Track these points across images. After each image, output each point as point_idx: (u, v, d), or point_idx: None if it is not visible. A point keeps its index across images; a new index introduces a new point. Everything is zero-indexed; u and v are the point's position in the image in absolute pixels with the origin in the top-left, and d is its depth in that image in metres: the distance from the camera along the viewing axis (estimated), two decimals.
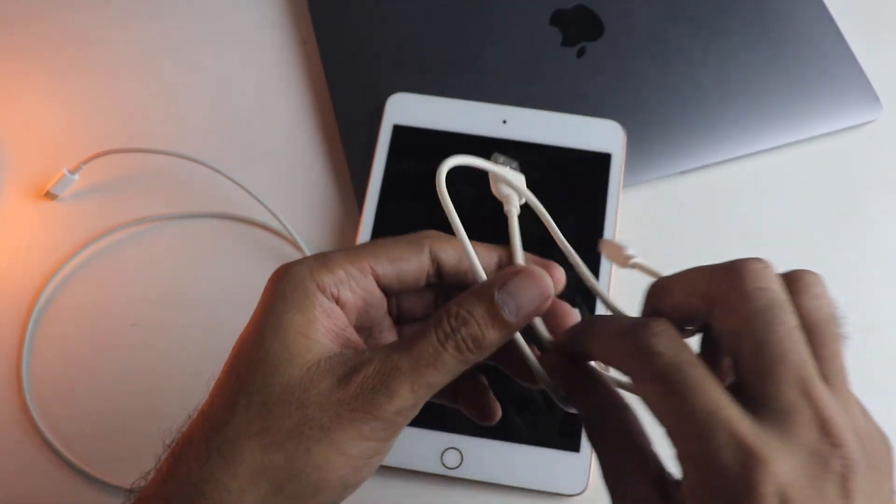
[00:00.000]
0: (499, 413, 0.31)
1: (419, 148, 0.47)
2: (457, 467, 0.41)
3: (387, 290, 0.28)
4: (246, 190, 0.47)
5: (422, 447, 0.41)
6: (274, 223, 0.47)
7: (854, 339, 0.45)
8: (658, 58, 0.50)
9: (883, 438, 0.24)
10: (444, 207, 0.27)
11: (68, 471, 0.42)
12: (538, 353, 0.28)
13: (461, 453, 0.41)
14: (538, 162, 0.47)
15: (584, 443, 0.41)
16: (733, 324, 0.23)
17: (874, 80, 0.50)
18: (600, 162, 0.47)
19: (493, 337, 0.25)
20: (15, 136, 0.50)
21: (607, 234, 0.45)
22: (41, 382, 0.44)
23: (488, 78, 0.50)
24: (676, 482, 0.23)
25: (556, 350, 0.28)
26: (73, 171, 0.47)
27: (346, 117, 0.50)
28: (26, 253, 0.47)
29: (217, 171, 0.47)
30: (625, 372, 0.24)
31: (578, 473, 0.41)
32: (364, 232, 0.45)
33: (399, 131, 0.48)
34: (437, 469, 0.41)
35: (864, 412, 0.24)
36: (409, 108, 0.48)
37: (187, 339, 0.45)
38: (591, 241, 0.45)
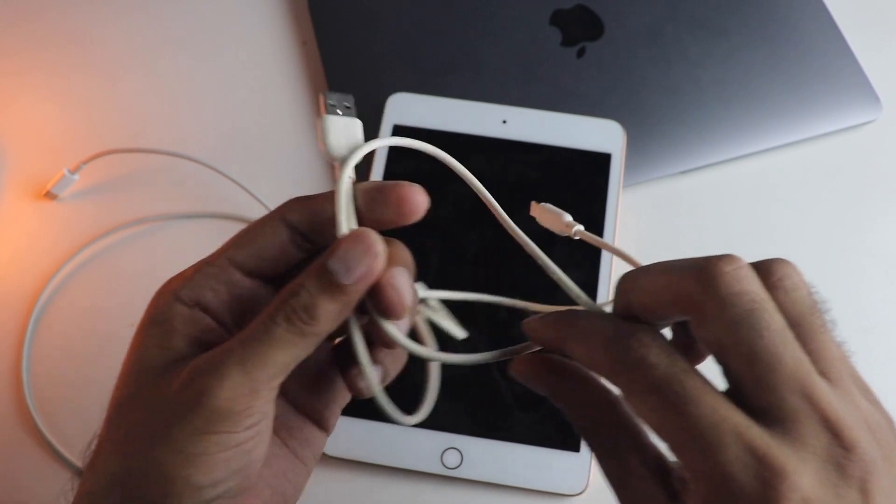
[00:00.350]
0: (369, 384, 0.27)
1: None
2: (457, 467, 0.41)
3: (257, 274, 0.27)
4: (246, 190, 0.47)
5: (422, 447, 0.41)
6: None
7: (854, 340, 0.45)
8: (658, 58, 0.50)
9: (890, 424, 0.23)
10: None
11: (68, 471, 0.42)
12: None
13: (461, 453, 0.41)
14: (538, 162, 0.47)
15: (584, 442, 0.41)
16: (717, 334, 0.22)
17: (874, 79, 0.50)
18: (600, 162, 0.47)
19: (327, 305, 0.24)
20: (15, 136, 0.50)
21: (607, 234, 0.45)
22: (41, 382, 0.44)
23: (488, 78, 0.50)
24: (679, 476, 0.23)
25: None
26: (73, 171, 0.47)
27: None
28: (26, 253, 0.47)
29: (218, 171, 0.47)
30: (613, 382, 0.23)
31: (578, 473, 0.41)
32: None
33: (399, 131, 0.48)
34: (438, 469, 0.41)
35: (868, 394, 0.23)
36: (410, 108, 0.48)
37: None
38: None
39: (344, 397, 0.30)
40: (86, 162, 0.47)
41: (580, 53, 0.51)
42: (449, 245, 0.45)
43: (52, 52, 0.52)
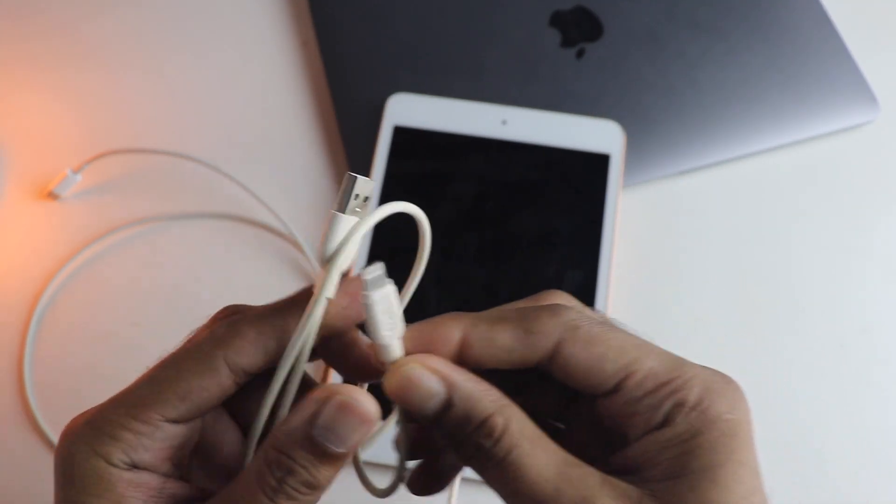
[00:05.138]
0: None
1: (419, 149, 0.48)
2: None
3: (192, 418, 0.24)
4: (248, 190, 0.47)
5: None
6: (275, 223, 0.47)
7: (852, 339, 0.45)
8: (657, 59, 0.51)
9: None
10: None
11: None
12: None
13: None
14: (538, 162, 0.47)
15: None
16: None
17: (872, 81, 0.50)
18: (599, 162, 0.47)
19: (327, 474, 0.22)
20: (18, 137, 0.50)
21: (606, 234, 0.45)
22: (43, 381, 0.44)
23: (488, 78, 0.50)
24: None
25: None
26: (75, 172, 0.47)
27: (346, 118, 0.50)
28: (29, 253, 0.47)
29: (219, 171, 0.48)
30: None
31: None
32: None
33: (399, 132, 0.48)
34: None
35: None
36: (410, 109, 0.48)
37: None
38: (591, 242, 0.45)
39: None
40: (88, 162, 0.47)
41: (579, 54, 0.51)
42: (448, 245, 0.45)
43: (54, 52, 0.53)
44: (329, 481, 0.23)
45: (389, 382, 0.22)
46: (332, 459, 0.22)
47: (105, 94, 0.51)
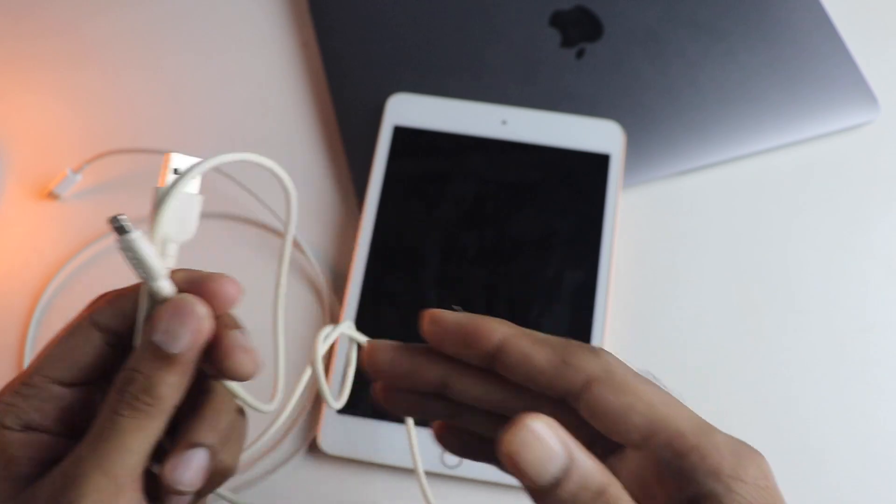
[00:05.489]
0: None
1: (419, 149, 0.48)
2: (457, 466, 0.41)
3: (80, 383, 0.26)
4: (248, 190, 0.47)
5: (422, 446, 0.41)
6: (275, 223, 0.47)
7: (852, 340, 0.45)
8: (657, 59, 0.51)
9: None
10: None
11: None
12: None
13: None
14: (538, 162, 0.47)
15: None
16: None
17: (872, 81, 0.50)
18: (599, 162, 0.47)
19: (165, 379, 0.24)
20: (18, 137, 0.50)
21: (606, 234, 0.45)
22: None
23: (488, 78, 0.50)
24: None
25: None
26: (76, 171, 0.47)
27: (346, 118, 0.50)
28: (29, 253, 0.47)
29: (219, 171, 0.48)
30: None
31: None
32: (365, 231, 0.45)
33: (399, 132, 0.48)
34: (437, 468, 0.41)
35: None
36: (410, 109, 0.49)
37: None
38: (591, 242, 0.45)
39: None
40: (89, 162, 0.47)
41: (579, 54, 0.51)
42: (448, 245, 0.45)
43: (54, 52, 0.53)
44: (170, 388, 0.24)
45: (512, 436, 0.22)
46: (170, 362, 0.24)
47: (105, 94, 0.51)
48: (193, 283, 0.25)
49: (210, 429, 0.25)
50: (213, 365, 0.25)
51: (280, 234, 0.47)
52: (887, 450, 0.43)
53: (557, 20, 0.52)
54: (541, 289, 0.44)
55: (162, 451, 0.25)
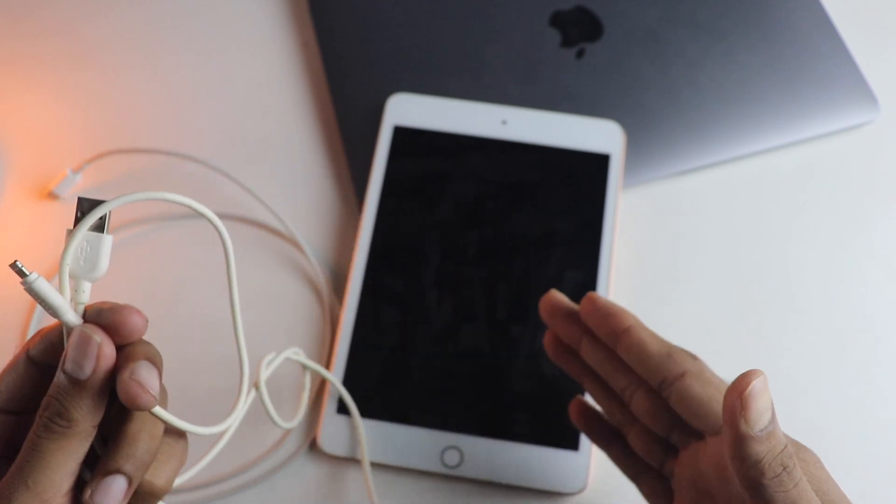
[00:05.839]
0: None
1: (419, 149, 0.48)
2: (457, 466, 0.41)
3: (21, 411, 0.28)
4: (247, 190, 0.47)
5: (422, 446, 0.41)
6: (275, 223, 0.47)
7: (853, 340, 0.45)
8: (657, 59, 0.51)
9: None
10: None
11: None
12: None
13: (461, 452, 0.41)
14: (538, 162, 0.47)
15: (584, 441, 0.41)
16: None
17: (872, 81, 0.50)
18: (599, 162, 0.47)
19: (78, 403, 0.25)
20: (18, 137, 0.50)
21: (606, 234, 0.45)
22: None
23: (488, 78, 0.50)
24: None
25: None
26: (75, 172, 0.47)
27: (346, 118, 0.50)
28: (28, 253, 0.47)
29: (219, 171, 0.48)
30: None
31: (578, 471, 0.41)
32: (364, 232, 0.45)
33: (399, 132, 0.48)
34: (438, 468, 0.41)
35: None
36: (410, 109, 0.49)
37: (187, 338, 0.45)
38: (591, 242, 0.45)
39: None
40: (88, 162, 0.47)
41: (579, 54, 0.51)
42: (448, 245, 0.45)
43: (54, 52, 0.53)
44: (82, 412, 0.25)
45: (742, 382, 0.27)
46: (79, 388, 0.25)
47: (105, 94, 0.51)
48: (100, 315, 0.27)
49: (126, 455, 0.26)
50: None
51: (280, 235, 0.47)
52: (888, 449, 0.42)
53: (557, 20, 0.52)
54: (541, 288, 0.44)
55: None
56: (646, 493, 0.35)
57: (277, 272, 0.47)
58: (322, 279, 0.46)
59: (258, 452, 0.42)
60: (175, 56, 0.53)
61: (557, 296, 0.37)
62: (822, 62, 0.51)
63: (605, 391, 0.36)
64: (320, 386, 0.43)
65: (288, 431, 0.43)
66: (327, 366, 0.44)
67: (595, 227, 0.45)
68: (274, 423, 0.37)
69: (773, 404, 0.28)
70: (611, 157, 0.47)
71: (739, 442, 0.27)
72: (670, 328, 0.45)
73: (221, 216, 0.48)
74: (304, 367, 0.41)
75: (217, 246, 0.47)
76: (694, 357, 0.32)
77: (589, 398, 0.40)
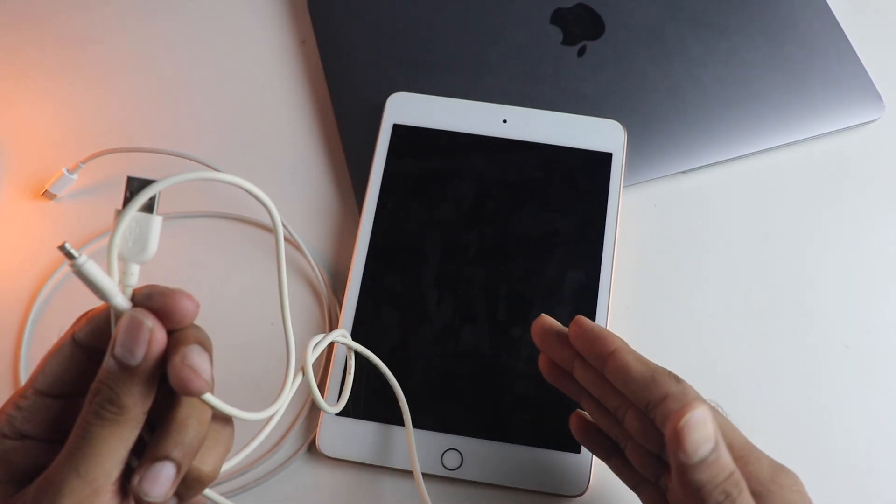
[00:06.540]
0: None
1: (419, 147, 0.47)
2: (457, 468, 0.41)
3: (68, 394, 0.28)
4: (247, 190, 0.47)
5: (422, 448, 0.41)
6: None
7: (855, 339, 0.45)
8: (659, 57, 0.50)
9: None
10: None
11: None
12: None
13: (461, 454, 0.41)
14: (538, 162, 0.47)
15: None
16: None
17: (876, 79, 0.50)
18: (601, 161, 0.46)
19: (128, 390, 0.25)
20: (13, 136, 0.50)
21: (608, 234, 0.45)
22: None
23: (488, 77, 0.50)
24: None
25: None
26: (71, 171, 0.47)
27: (345, 117, 0.49)
28: (24, 253, 0.46)
29: (217, 170, 0.47)
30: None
31: (579, 474, 0.40)
32: (364, 231, 0.45)
33: (399, 131, 0.48)
34: (438, 470, 0.41)
35: None
36: (409, 108, 0.48)
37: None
38: (592, 241, 0.45)
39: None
40: (84, 161, 0.47)
41: (581, 52, 0.51)
42: (448, 245, 0.45)
43: (50, 51, 0.52)
44: (133, 398, 0.25)
45: (677, 415, 0.28)
46: (130, 374, 0.25)
47: (101, 93, 0.51)
48: (150, 299, 0.26)
49: (175, 442, 0.26)
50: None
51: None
52: (894, 450, 0.42)
53: (559, 18, 0.52)
54: (542, 288, 0.44)
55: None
56: (646, 501, 0.35)
57: (277, 272, 0.46)
58: (321, 279, 0.45)
59: (256, 454, 0.42)
60: (171, 55, 0.52)
61: (548, 320, 0.37)
62: (826, 60, 0.50)
63: (600, 409, 0.36)
64: (319, 386, 0.43)
65: (287, 432, 0.42)
66: (327, 365, 0.43)
67: (596, 226, 0.45)
68: (320, 406, 0.35)
69: (716, 434, 0.29)
70: (612, 156, 0.47)
71: (681, 470, 0.28)
72: (672, 328, 0.45)
73: (220, 216, 0.48)
74: (350, 350, 0.40)
75: (216, 245, 0.47)
76: (678, 380, 0.33)
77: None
